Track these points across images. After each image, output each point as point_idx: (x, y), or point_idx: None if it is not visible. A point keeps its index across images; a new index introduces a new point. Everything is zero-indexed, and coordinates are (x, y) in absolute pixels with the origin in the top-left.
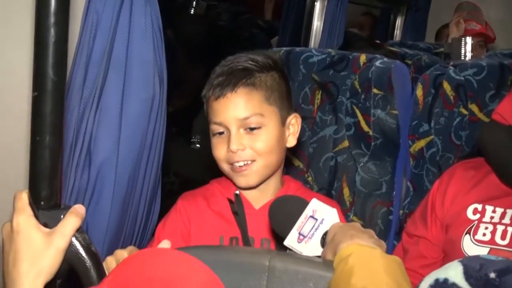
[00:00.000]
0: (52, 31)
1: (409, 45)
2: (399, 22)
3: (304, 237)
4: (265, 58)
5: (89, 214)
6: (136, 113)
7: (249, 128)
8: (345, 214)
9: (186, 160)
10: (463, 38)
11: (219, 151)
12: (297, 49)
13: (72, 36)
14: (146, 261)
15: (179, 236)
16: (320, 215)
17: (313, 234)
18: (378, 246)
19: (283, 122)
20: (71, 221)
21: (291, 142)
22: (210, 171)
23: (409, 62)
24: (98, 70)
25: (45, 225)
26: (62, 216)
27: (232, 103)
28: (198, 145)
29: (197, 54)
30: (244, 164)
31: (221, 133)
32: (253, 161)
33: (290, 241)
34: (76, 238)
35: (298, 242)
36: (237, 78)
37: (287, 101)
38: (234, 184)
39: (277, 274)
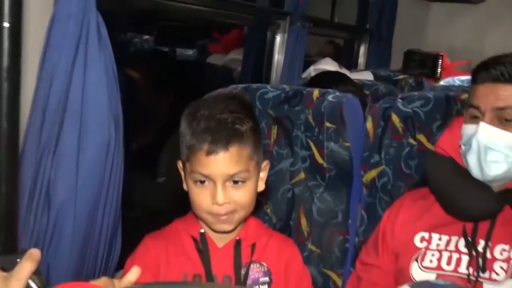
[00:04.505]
0: (5, 85)
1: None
2: (362, 49)
3: None
4: (243, 106)
5: (50, 255)
6: (92, 156)
7: (233, 181)
8: (303, 243)
9: (152, 194)
10: None
11: (202, 201)
12: (254, 85)
13: (30, 83)
14: None
15: (148, 269)
16: None
17: None
18: None
19: (259, 171)
20: (27, 265)
21: (261, 186)
22: (174, 204)
23: (367, 92)
24: (55, 116)
25: (3, 269)
26: (18, 260)
27: (223, 160)
28: (163, 178)
29: (157, 90)
30: (225, 214)
31: (202, 182)
32: (234, 211)
33: None
34: (33, 281)
35: None
36: (228, 136)
37: (261, 149)
38: (208, 226)
39: None
